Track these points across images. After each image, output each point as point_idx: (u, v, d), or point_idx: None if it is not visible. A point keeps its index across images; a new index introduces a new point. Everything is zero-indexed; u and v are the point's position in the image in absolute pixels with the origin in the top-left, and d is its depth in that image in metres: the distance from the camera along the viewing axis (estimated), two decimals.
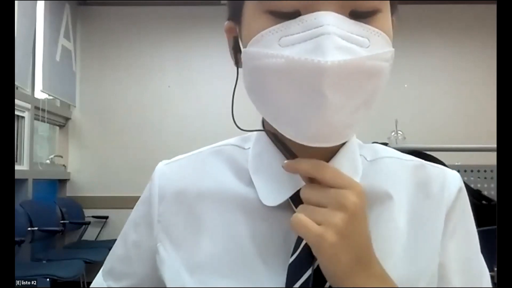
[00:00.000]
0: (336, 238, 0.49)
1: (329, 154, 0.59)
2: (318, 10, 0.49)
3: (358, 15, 0.51)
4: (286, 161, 0.55)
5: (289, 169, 0.54)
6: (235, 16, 0.58)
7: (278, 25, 0.51)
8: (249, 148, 0.64)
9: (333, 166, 0.57)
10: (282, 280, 0.54)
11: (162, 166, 0.67)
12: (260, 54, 0.51)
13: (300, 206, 0.52)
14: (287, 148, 0.58)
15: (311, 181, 0.53)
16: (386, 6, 0.54)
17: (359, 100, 0.50)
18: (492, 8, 3.86)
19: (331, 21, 0.48)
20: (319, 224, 0.49)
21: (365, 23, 0.51)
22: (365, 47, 0.50)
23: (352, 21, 0.50)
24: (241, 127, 0.60)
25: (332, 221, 0.49)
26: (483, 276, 0.62)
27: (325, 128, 0.50)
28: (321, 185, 0.52)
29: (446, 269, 0.59)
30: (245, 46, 0.55)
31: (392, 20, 0.57)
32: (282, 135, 0.56)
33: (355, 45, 0.49)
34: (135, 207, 0.68)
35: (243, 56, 0.55)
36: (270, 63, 0.50)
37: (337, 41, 0.48)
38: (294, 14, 0.51)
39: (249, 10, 0.54)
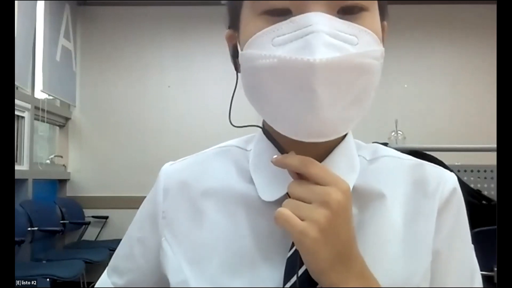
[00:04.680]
0: (318, 235, 0.49)
1: (324, 153, 0.60)
2: (308, 11, 0.51)
3: (346, 12, 0.53)
4: (275, 156, 0.56)
5: (278, 164, 0.55)
6: (234, 23, 0.61)
7: (271, 27, 0.53)
8: (250, 149, 0.65)
9: (328, 164, 0.59)
10: (281, 273, 0.55)
11: (167, 166, 0.69)
12: (254, 55, 0.53)
13: (286, 201, 0.53)
14: (282, 149, 0.60)
15: (300, 177, 0.54)
16: (373, 6, 0.56)
17: (350, 96, 0.52)
18: (492, 8, 3.86)
19: (319, 20, 0.50)
20: (302, 220, 0.50)
21: (353, 21, 0.53)
22: (354, 45, 0.51)
23: (340, 20, 0.52)
24: (240, 130, 0.62)
25: (315, 218, 0.50)
26: (475, 277, 0.62)
27: (318, 124, 0.52)
28: (308, 181, 0.53)
29: (438, 268, 0.59)
30: (242, 49, 0.57)
31: (384, 25, 0.59)
32: (279, 136, 0.58)
33: (344, 43, 0.51)
34: (139, 209, 0.69)
35: (240, 59, 0.57)
36: (264, 63, 0.52)
37: (325, 38, 0.49)
38: (285, 12, 0.53)
39: (245, 15, 0.57)
